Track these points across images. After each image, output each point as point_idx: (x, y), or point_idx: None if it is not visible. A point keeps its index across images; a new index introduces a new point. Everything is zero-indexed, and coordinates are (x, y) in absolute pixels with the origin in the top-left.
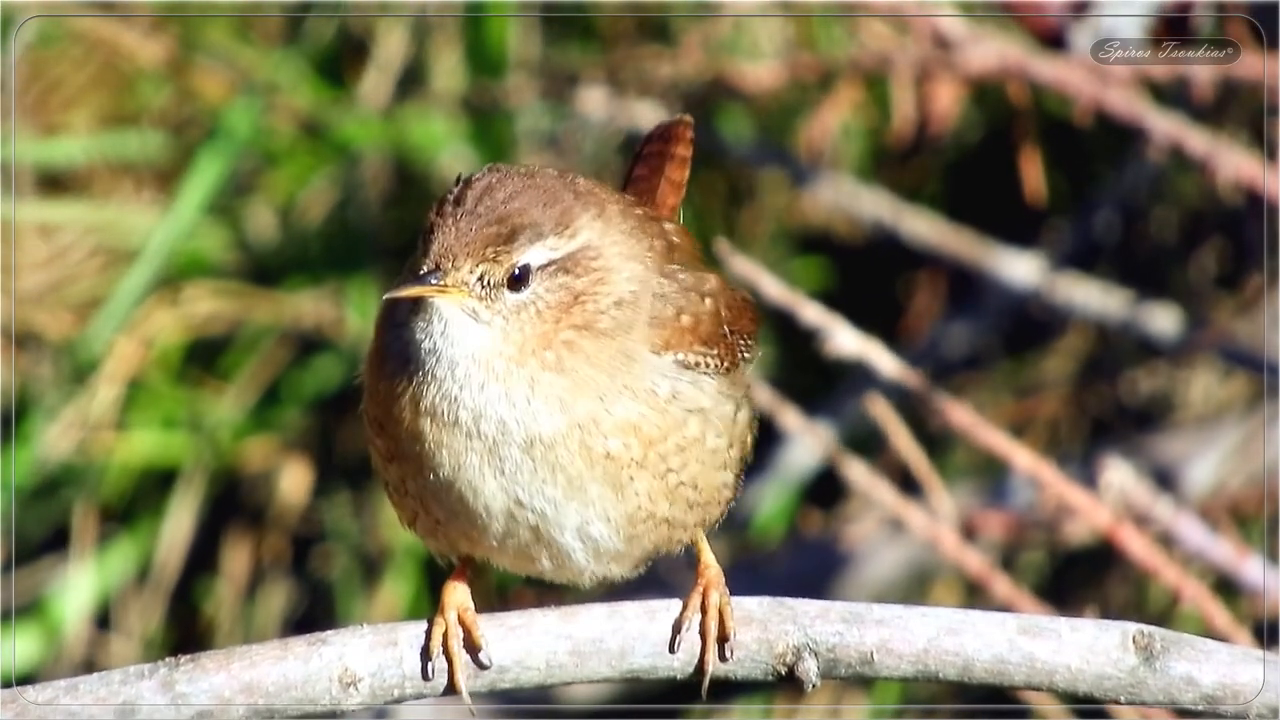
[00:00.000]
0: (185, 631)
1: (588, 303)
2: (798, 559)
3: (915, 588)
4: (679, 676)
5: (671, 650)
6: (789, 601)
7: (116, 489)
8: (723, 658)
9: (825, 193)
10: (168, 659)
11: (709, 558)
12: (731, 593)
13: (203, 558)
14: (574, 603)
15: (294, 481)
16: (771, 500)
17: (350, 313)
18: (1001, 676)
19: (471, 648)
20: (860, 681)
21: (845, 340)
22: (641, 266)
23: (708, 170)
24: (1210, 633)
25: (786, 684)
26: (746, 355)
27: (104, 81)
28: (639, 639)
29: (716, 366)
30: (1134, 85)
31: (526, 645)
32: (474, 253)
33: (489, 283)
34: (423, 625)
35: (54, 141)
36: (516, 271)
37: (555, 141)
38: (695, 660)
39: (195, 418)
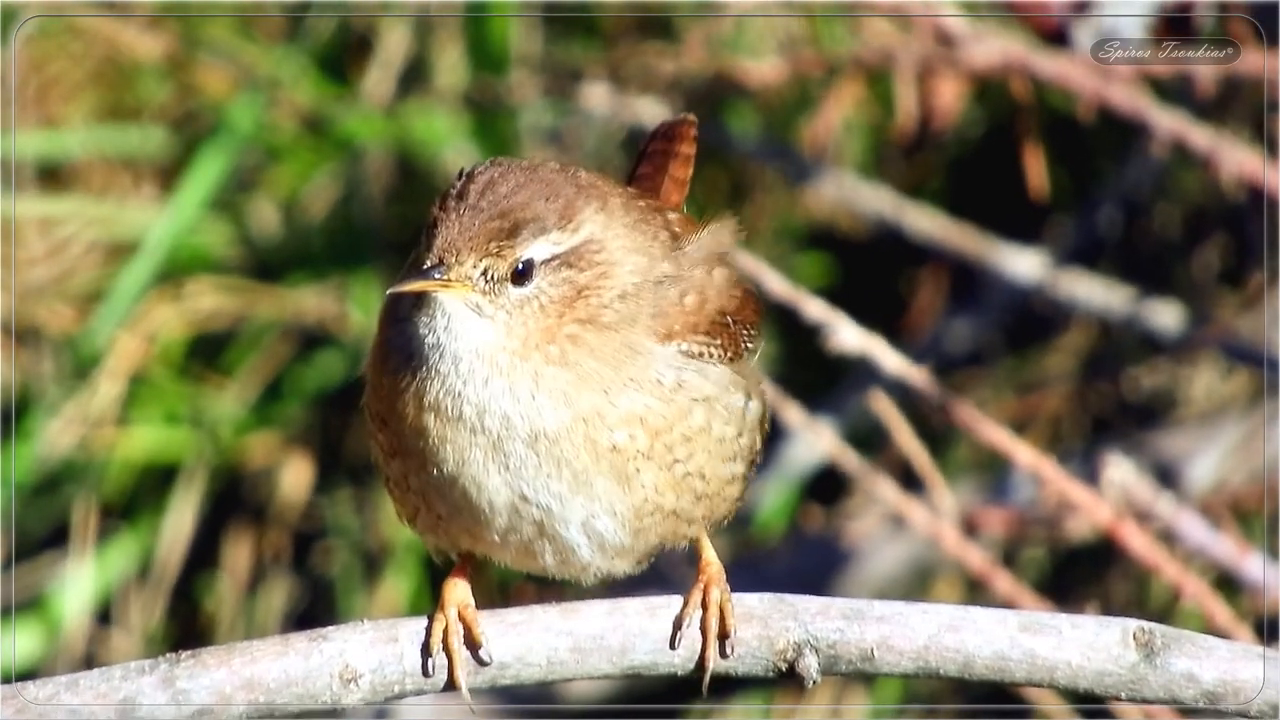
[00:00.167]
0: (186, 627)
1: (591, 296)
2: (799, 555)
3: (916, 584)
4: (680, 673)
5: (672, 647)
6: (789, 598)
7: (118, 485)
8: (723, 654)
9: (828, 189)
10: (168, 655)
11: (710, 554)
12: (732, 589)
13: (204, 554)
14: (574, 599)
15: (295, 477)
16: (773, 496)
17: (353, 308)
18: (1002, 673)
19: (472, 644)
20: (861, 678)
21: (848, 336)
22: (645, 258)
23: (710, 166)
24: (1211, 629)
25: (787, 681)
26: (750, 345)
27: (104, 76)
28: (640, 635)
29: (720, 356)
30: (1136, 81)
31: (527, 642)
32: (477, 247)
33: (492, 277)
34: (423, 622)
35: (54, 135)
36: (520, 266)
37: (558, 137)
38: (696, 657)
39: (197, 413)
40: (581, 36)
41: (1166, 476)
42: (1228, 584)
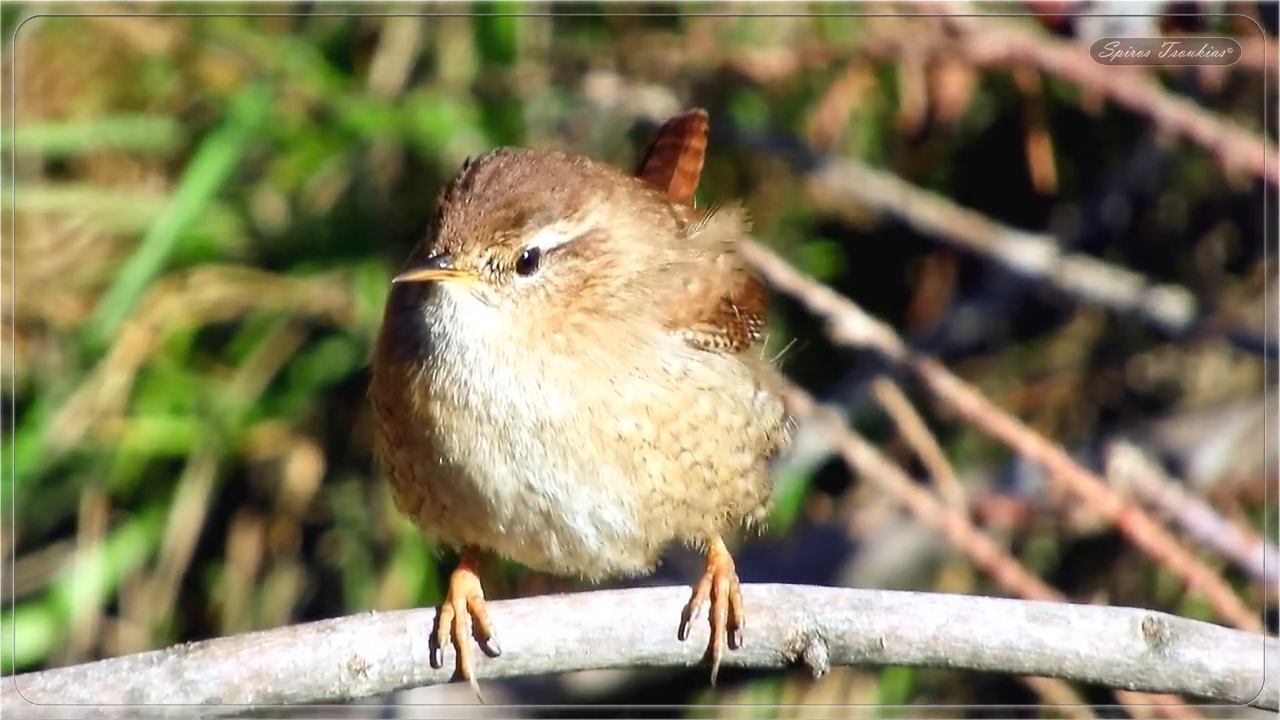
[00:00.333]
0: (194, 619)
1: (597, 285)
2: (807, 546)
3: (924, 575)
4: (688, 663)
5: (681, 637)
6: (798, 588)
7: (125, 476)
8: (732, 645)
9: (835, 179)
10: (176, 646)
11: (719, 545)
12: (740, 580)
13: (211, 545)
14: (583, 591)
15: (303, 468)
16: (781, 487)
17: (359, 299)
18: (1010, 663)
19: (480, 635)
20: (869, 669)
21: (854, 326)
22: (650, 246)
23: (717, 157)
24: (1219, 620)
25: (796, 671)
26: (756, 335)
27: (112, 68)
28: (648, 626)
29: (726, 345)
30: (1143, 72)
31: (535, 632)
32: (483, 236)
33: (498, 266)
34: (431, 613)
35: (62, 128)
36: (526, 255)
37: (565, 128)
38: (704, 647)
39: (204, 404)
40: (589, 28)
41: (1174, 466)
42: (1235, 574)
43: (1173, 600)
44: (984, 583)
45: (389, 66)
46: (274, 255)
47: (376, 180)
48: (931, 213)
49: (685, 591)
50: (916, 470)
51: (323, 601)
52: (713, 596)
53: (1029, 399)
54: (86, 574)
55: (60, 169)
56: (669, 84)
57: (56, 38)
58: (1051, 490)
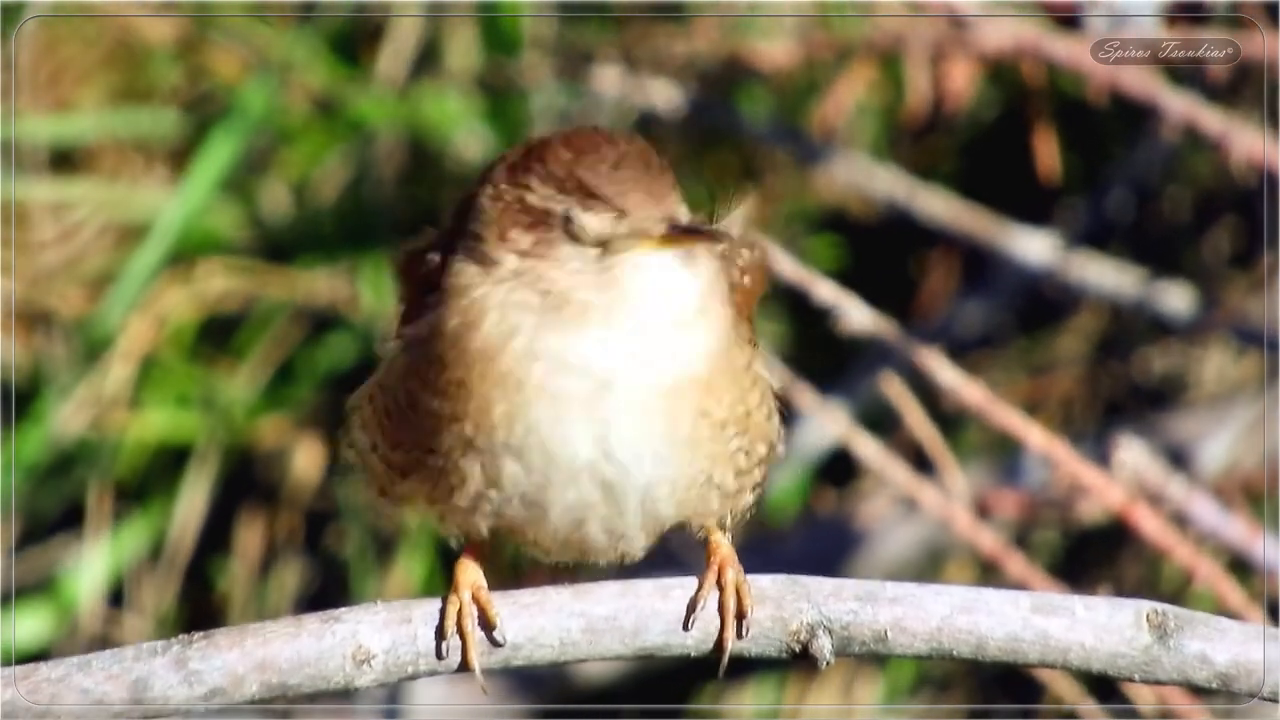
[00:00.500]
0: (199, 609)
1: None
2: (811, 538)
3: (929, 567)
4: (693, 654)
5: (686, 628)
6: (802, 579)
7: (130, 467)
8: (740, 635)
9: (839, 171)
10: (181, 636)
11: (719, 536)
12: (745, 571)
13: (216, 535)
14: (587, 581)
15: (307, 459)
16: (785, 479)
17: (364, 290)
18: (1015, 654)
19: (486, 625)
20: (874, 660)
21: (859, 318)
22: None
23: (721, 149)
24: (1224, 612)
25: (800, 662)
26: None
27: (117, 59)
28: (653, 616)
29: (751, 338)
30: (1147, 65)
31: (540, 623)
32: (686, 211)
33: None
34: (437, 603)
35: (67, 119)
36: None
37: (570, 120)
38: (709, 638)
39: (208, 395)
40: (594, 19)
41: (1178, 459)
42: (1240, 566)
43: (1177, 592)
44: (988, 574)
45: (394, 58)
46: (279, 247)
47: (381, 172)
48: (936, 205)
49: (689, 582)
50: (921, 462)
51: (327, 592)
52: (720, 586)
53: (1033, 391)
54: (91, 564)
55: (65, 160)
56: (674, 75)
57: (61, 29)
58: (1056, 482)
